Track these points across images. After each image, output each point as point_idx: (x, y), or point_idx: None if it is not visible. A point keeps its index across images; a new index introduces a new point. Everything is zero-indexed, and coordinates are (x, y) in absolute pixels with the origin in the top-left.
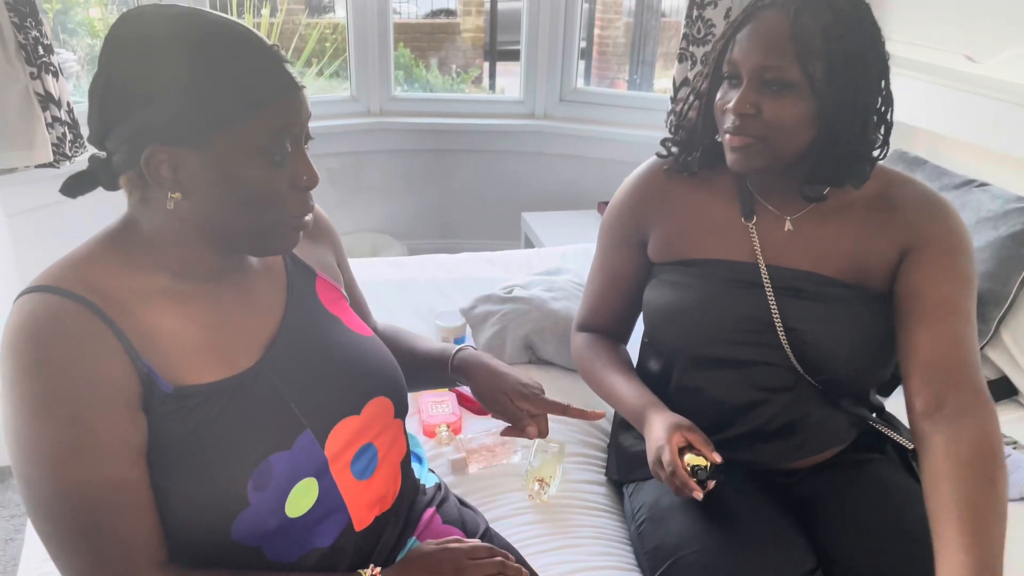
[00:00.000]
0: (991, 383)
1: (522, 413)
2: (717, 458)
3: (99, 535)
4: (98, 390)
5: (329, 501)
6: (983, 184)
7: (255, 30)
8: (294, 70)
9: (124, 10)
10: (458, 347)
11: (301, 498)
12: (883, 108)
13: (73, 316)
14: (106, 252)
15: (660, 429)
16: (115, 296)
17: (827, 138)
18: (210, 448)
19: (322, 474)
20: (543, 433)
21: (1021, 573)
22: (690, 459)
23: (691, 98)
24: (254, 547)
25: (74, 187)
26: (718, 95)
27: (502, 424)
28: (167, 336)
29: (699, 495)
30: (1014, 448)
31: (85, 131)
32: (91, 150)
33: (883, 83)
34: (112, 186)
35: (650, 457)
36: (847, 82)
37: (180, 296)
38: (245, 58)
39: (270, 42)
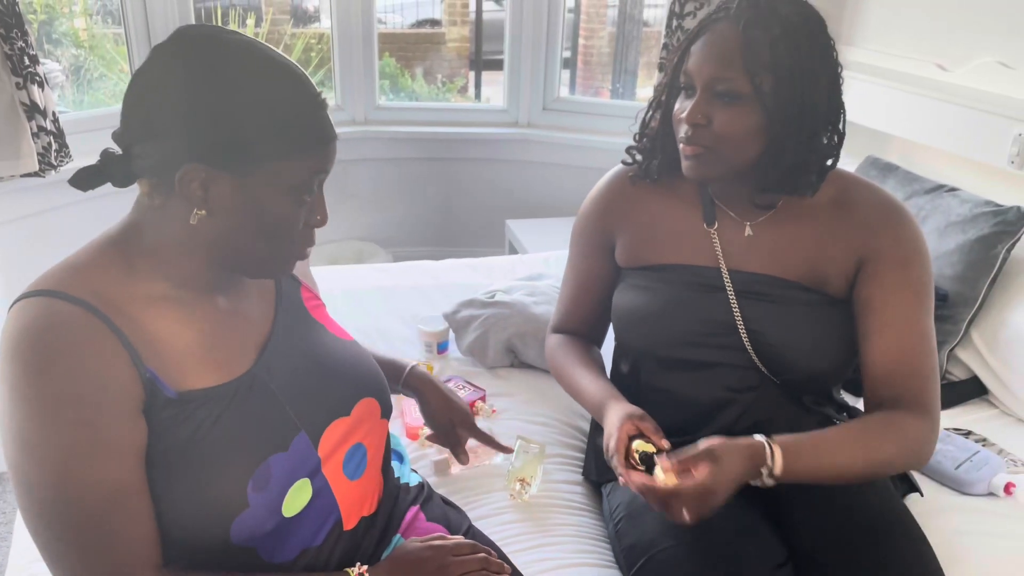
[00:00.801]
0: (961, 383)
1: (457, 439)
2: (665, 444)
3: (99, 538)
4: (104, 394)
5: (322, 500)
6: (953, 189)
7: (306, 74)
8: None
9: (108, 20)
10: (412, 364)
11: (296, 498)
12: (834, 119)
13: (78, 321)
14: (107, 257)
15: (614, 418)
16: (117, 301)
17: (775, 148)
18: (211, 451)
19: (315, 474)
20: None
21: (991, 565)
22: (638, 445)
23: (653, 107)
24: (249, 547)
25: (85, 180)
26: (676, 105)
27: (486, 427)
28: (167, 342)
29: (635, 480)
30: (983, 445)
31: (70, 141)
32: (76, 160)
33: (833, 97)
34: (123, 183)
35: (604, 445)
36: (794, 94)
37: (178, 303)
38: (301, 103)
39: (317, 89)
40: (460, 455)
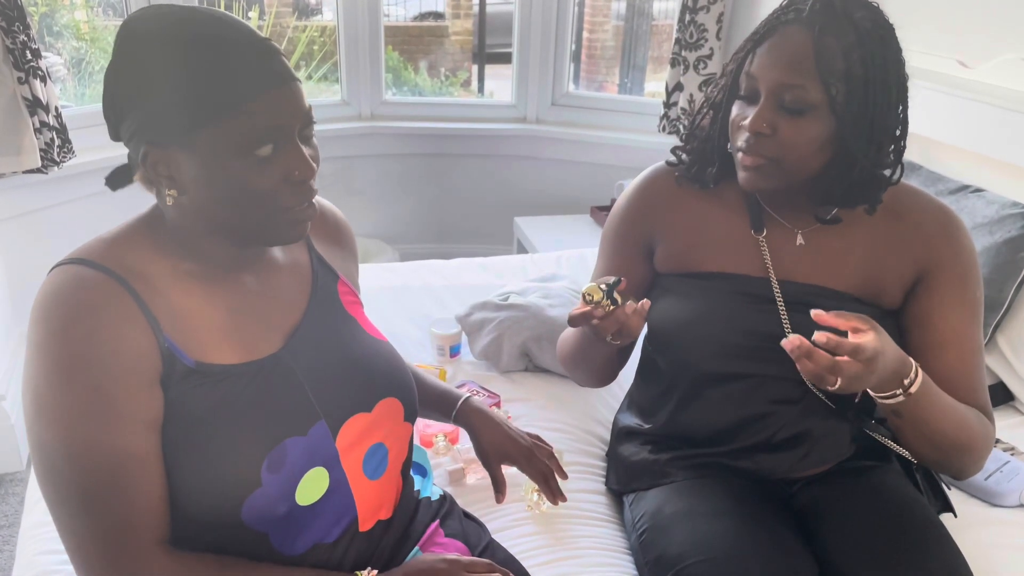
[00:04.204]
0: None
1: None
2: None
3: (104, 504)
4: (120, 360)
5: (338, 494)
6: (978, 190)
7: (249, 26)
8: (285, 63)
9: (109, 12)
10: (465, 396)
11: (312, 486)
12: (899, 132)
13: (101, 287)
14: (137, 235)
15: None
16: (144, 274)
17: (843, 160)
18: (228, 427)
19: (333, 466)
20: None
21: None
22: (589, 289)
23: (705, 108)
24: (261, 532)
25: (116, 179)
26: (734, 110)
27: None
28: (192, 316)
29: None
30: (1012, 455)
31: (73, 136)
32: (79, 156)
33: (900, 108)
34: None
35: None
36: (866, 105)
37: (206, 280)
38: (226, 56)
39: (262, 36)
40: (498, 491)
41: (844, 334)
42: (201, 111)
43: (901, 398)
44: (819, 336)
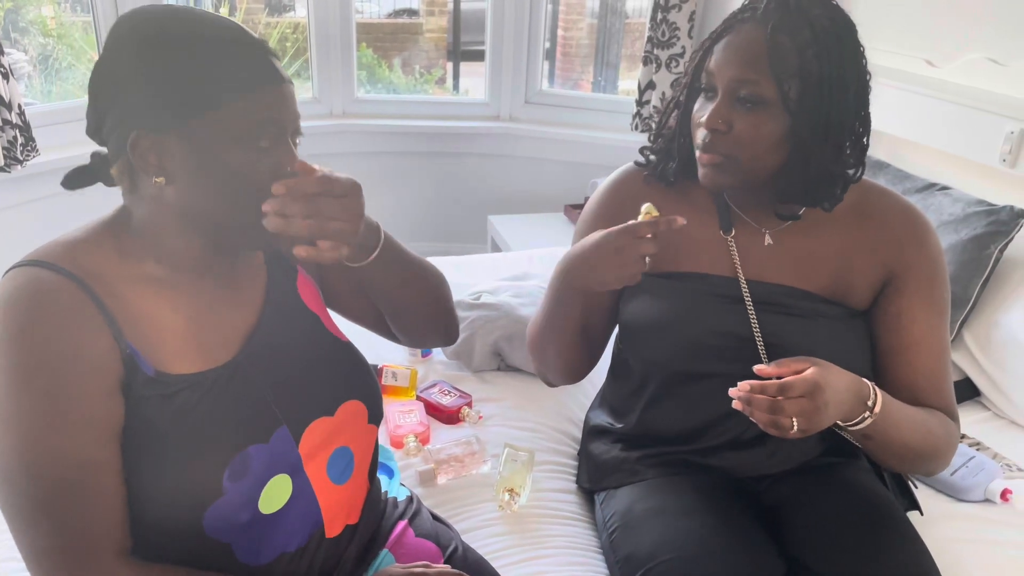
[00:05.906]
0: (954, 385)
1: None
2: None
3: (62, 513)
4: (79, 365)
5: (303, 501)
6: (944, 188)
7: (244, 26)
8: (280, 65)
9: (77, 8)
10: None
11: (275, 494)
12: (860, 130)
13: (60, 290)
14: (99, 236)
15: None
16: (106, 277)
17: (799, 158)
18: (189, 435)
19: (296, 472)
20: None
21: (991, 575)
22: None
23: (670, 107)
24: (224, 543)
25: (73, 180)
26: (695, 106)
27: (472, 434)
28: (152, 322)
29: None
30: (977, 450)
31: (37, 134)
32: (44, 154)
33: (861, 106)
34: (110, 181)
35: (592, 240)
36: (821, 103)
37: (167, 285)
38: (227, 47)
39: (257, 36)
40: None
41: None
42: (204, 94)
43: (870, 420)
44: (742, 385)
